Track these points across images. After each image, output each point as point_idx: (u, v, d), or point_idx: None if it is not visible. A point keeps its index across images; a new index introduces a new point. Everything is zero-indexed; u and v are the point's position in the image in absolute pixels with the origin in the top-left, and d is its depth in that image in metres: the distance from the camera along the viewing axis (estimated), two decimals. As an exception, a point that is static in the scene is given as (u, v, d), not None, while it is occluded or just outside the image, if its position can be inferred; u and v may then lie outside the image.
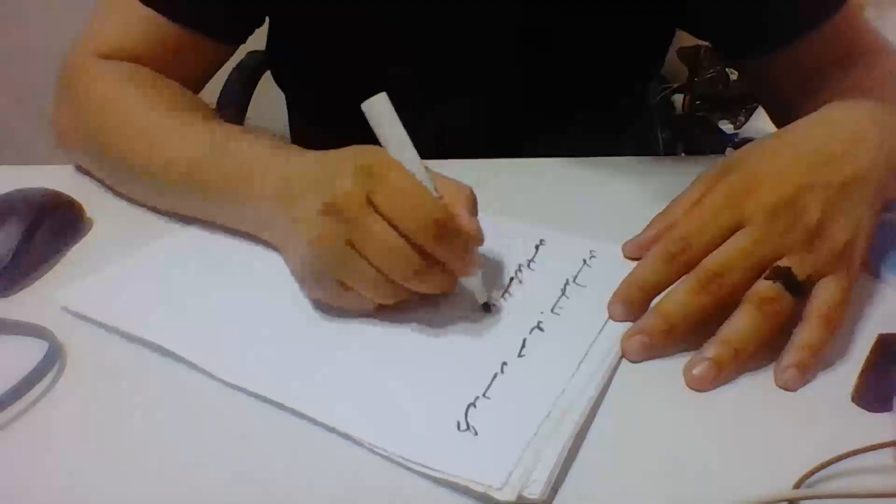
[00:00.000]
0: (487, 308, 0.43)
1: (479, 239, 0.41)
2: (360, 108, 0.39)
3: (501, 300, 0.45)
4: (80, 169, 0.59)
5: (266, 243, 0.48)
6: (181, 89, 0.58)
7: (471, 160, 0.61)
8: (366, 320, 0.42)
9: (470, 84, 0.65)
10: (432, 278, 0.40)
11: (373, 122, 0.40)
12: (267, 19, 0.67)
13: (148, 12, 0.58)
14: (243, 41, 0.66)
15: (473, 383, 0.38)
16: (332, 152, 0.43)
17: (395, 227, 0.38)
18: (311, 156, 0.44)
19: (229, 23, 0.62)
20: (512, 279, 0.46)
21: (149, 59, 0.59)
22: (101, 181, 0.57)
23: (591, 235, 0.50)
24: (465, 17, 0.61)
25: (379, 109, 0.40)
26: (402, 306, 0.42)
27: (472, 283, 0.42)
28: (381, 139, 0.41)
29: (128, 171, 0.54)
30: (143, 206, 0.54)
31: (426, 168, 0.41)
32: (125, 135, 0.53)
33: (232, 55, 0.66)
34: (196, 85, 0.64)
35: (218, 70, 0.67)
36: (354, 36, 0.63)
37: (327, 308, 0.43)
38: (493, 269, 0.47)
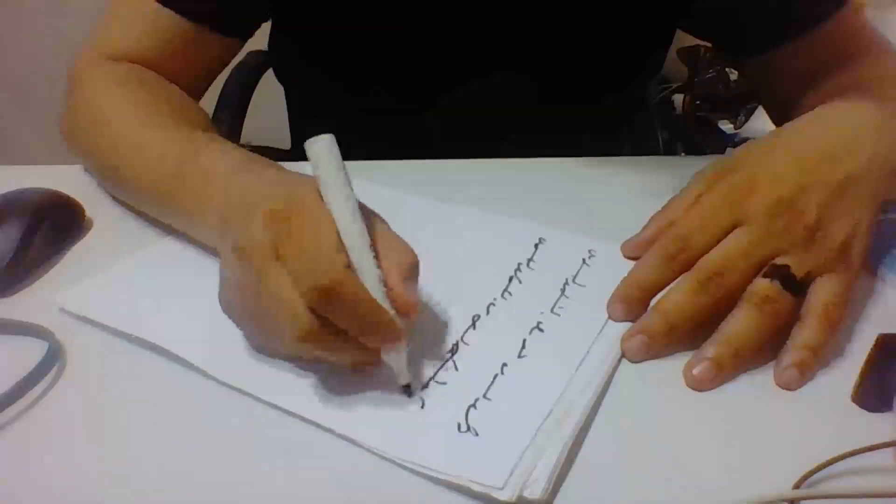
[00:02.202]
0: (408, 391, 0.37)
1: (411, 309, 0.36)
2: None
3: (500, 299, 0.44)
4: (84, 169, 0.60)
5: None
6: (176, 96, 0.58)
7: (470, 160, 0.61)
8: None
9: (469, 84, 0.65)
10: (333, 347, 0.35)
11: (312, 163, 0.37)
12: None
13: (155, 8, 0.58)
14: (250, 35, 0.66)
15: (474, 384, 0.38)
16: (263, 186, 0.40)
17: (294, 283, 0.34)
18: (246, 188, 0.41)
19: (236, 17, 0.63)
20: (511, 278, 0.46)
21: (155, 58, 0.59)
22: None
23: (591, 235, 0.50)
24: (466, 15, 0.61)
25: (320, 150, 0.37)
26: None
27: (393, 359, 0.36)
28: (318, 182, 0.37)
29: (111, 179, 0.55)
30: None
31: (371, 218, 0.38)
32: (104, 144, 0.54)
33: (238, 51, 0.66)
34: (202, 83, 0.64)
35: (224, 67, 0.67)
36: (355, 30, 0.63)
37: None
38: (488, 274, 0.47)
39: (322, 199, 0.37)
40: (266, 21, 0.67)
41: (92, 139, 0.55)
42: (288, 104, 0.83)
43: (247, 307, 0.37)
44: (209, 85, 0.66)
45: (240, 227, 0.37)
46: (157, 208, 0.51)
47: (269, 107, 0.89)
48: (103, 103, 0.55)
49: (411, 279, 0.37)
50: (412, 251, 0.38)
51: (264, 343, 0.39)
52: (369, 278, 0.36)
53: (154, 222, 0.52)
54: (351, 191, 0.37)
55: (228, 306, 0.39)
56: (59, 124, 0.59)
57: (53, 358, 0.39)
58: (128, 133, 0.53)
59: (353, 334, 0.35)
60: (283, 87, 0.79)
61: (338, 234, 0.36)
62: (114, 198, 0.56)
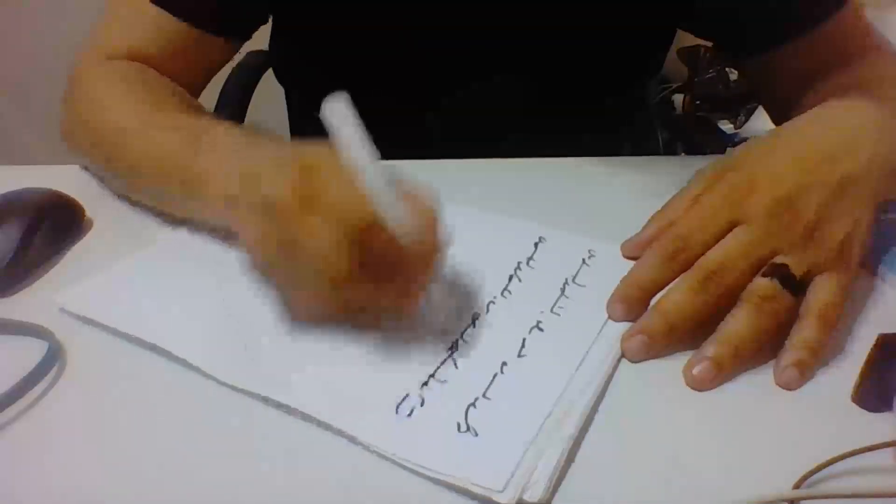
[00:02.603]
0: (444, 333, 0.39)
1: (441, 249, 0.38)
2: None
3: (500, 297, 0.44)
4: (84, 169, 0.60)
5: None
6: (175, 89, 0.59)
7: (470, 160, 0.61)
8: (363, 318, 0.42)
9: (469, 84, 0.65)
10: (369, 290, 0.37)
11: (329, 123, 0.38)
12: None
13: (154, 11, 0.58)
14: (248, 38, 0.66)
15: (473, 383, 0.38)
16: (282, 149, 0.42)
17: (329, 230, 0.36)
18: (265, 152, 0.43)
19: (234, 19, 0.63)
20: (511, 277, 0.46)
21: (154, 59, 0.59)
22: (102, 183, 0.58)
23: (591, 235, 0.50)
24: (466, 15, 0.61)
25: (336, 111, 0.38)
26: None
27: (428, 299, 0.37)
28: (337, 141, 0.38)
29: (116, 172, 0.55)
30: (142, 206, 0.54)
31: (391, 174, 0.38)
32: (107, 138, 0.54)
33: (236, 52, 0.67)
34: (200, 83, 0.64)
35: (222, 67, 0.67)
36: (355, 30, 0.63)
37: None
38: (487, 272, 0.47)
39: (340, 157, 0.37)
40: (265, 23, 0.68)
41: (93, 129, 0.55)
42: (288, 104, 0.83)
43: (280, 264, 0.38)
44: (206, 84, 0.66)
45: (269, 185, 0.38)
46: (163, 188, 0.51)
47: (269, 107, 0.89)
48: (105, 94, 0.56)
49: (435, 229, 0.38)
50: (434, 204, 0.39)
51: (297, 302, 0.40)
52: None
53: (154, 222, 0.52)
54: (370, 145, 0.38)
55: (263, 268, 0.40)
56: (60, 126, 0.59)
57: (53, 358, 0.39)
58: (132, 116, 0.53)
59: (389, 274, 0.37)
60: (283, 87, 0.79)
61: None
62: (116, 195, 0.56)
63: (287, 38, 0.72)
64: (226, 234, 0.49)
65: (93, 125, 0.56)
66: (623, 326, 0.42)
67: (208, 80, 0.66)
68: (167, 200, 0.51)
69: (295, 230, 0.37)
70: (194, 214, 0.50)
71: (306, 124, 0.80)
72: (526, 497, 0.32)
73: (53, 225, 0.49)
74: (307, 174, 0.37)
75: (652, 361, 0.40)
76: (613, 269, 0.45)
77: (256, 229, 0.39)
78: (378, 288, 0.37)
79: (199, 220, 0.50)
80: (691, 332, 0.41)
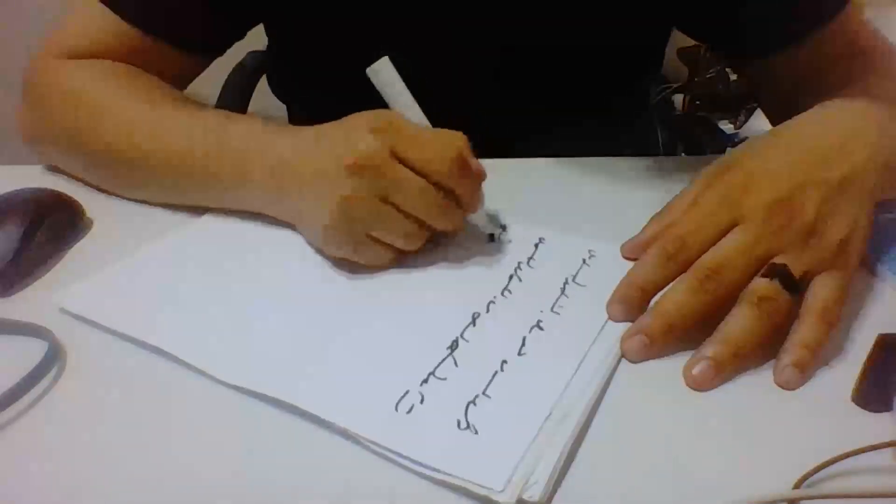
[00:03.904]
0: (492, 239, 0.50)
1: (484, 173, 0.46)
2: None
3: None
4: (49, 167, 0.59)
5: (267, 238, 0.49)
6: (159, 81, 0.58)
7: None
8: (364, 317, 0.43)
9: (467, 86, 0.65)
10: (452, 214, 0.45)
11: (379, 86, 0.46)
12: (251, 31, 0.67)
13: (119, 20, 0.57)
14: (219, 54, 0.65)
15: (474, 380, 0.38)
16: (342, 120, 0.46)
17: (420, 173, 0.43)
18: (308, 130, 0.47)
19: (205, 36, 0.61)
20: (511, 277, 0.46)
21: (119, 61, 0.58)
22: (76, 178, 0.57)
23: (591, 235, 0.50)
24: (460, 18, 0.61)
25: (384, 73, 0.45)
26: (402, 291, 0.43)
27: (479, 216, 0.49)
28: (387, 100, 0.46)
29: (109, 164, 0.54)
30: (143, 205, 0.54)
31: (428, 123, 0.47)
32: (104, 128, 0.53)
33: (204, 68, 0.64)
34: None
35: (194, 79, 0.64)
36: (349, 45, 0.63)
37: (327, 306, 0.43)
38: (488, 272, 0.47)
39: None
40: (240, 39, 0.66)
41: (84, 124, 0.54)
42: (288, 112, 0.83)
43: (369, 216, 0.43)
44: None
45: (342, 150, 0.43)
46: (184, 184, 0.51)
47: (269, 107, 0.89)
48: (94, 88, 0.55)
49: (471, 152, 0.45)
50: (461, 134, 0.45)
51: (373, 254, 0.45)
52: None
53: (154, 222, 0.52)
54: (415, 101, 0.47)
55: (342, 226, 0.44)
56: (18, 122, 0.58)
57: (53, 358, 0.39)
58: (135, 111, 0.52)
59: (467, 195, 0.45)
60: (279, 101, 0.79)
61: None
62: (115, 194, 0.56)
63: (281, 56, 0.72)
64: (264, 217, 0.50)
65: (67, 121, 0.54)
66: (623, 326, 0.42)
67: (180, 90, 0.63)
68: (185, 191, 0.51)
69: (391, 181, 0.42)
70: (222, 201, 0.50)
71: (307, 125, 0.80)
72: (526, 497, 0.32)
73: (53, 225, 0.49)
74: (386, 131, 0.43)
75: (652, 361, 0.40)
76: (613, 270, 0.45)
77: (346, 189, 0.42)
78: (455, 211, 0.45)
79: (227, 206, 0.51)
80: (691, 332, 0.40)
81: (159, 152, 0.51)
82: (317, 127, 0.46)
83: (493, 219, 0.51)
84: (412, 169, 0.43)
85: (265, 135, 0.48)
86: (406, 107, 0.46)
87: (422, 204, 0.44)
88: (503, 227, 0.51)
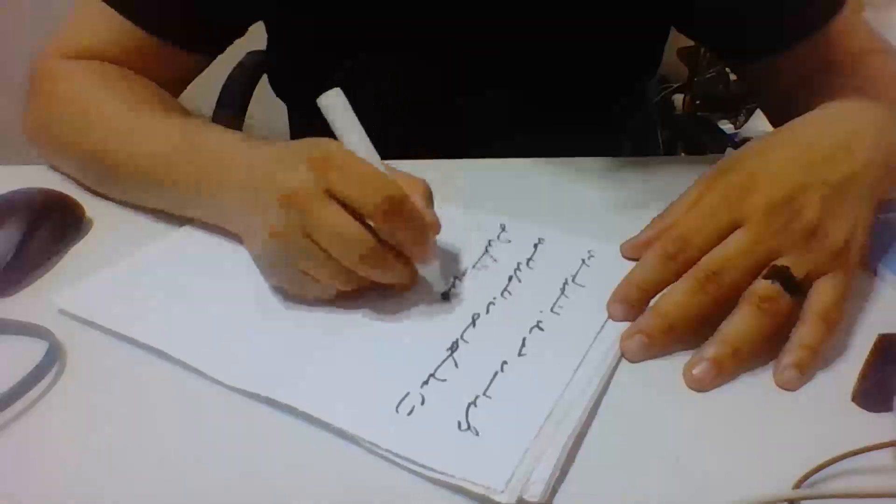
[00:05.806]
0: (446, 297, 0.44)
1: (435, 226, 0.43)
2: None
3: (500, 298, 0.45)
4: (53, 168, 0.59)
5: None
6: (152, 86, 0.58)
7: (469, 160, 0.61)
8: (365, 318, 0.43)
9: (467, 86, 0.65)
10: (386, 264, 0.41)
11: (328, 117, 0.42)
12: (252, 31, 0.67)
13: (119, 20, 0.57)
14: (220, 52, 0.65)
15: (474, 381, 0.38)
16: (289, 144, 0.44)
17: (351, 211, 0.39)
18: (272, 148, 0.44)
19: (204, 34, 0.61)
20: (511, 277, 0.46)
21: (120, 63, 0.58)
22: (76, 181, 0.57)
23: (591, 235, 0.50)
24: (460, 19, 0.61)
25: (334, 104, 0.42)
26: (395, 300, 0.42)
27: (430, 271, 0.43)
28: (336, 133, 0.42)
29: (98, 168, 0.54)
30: (143, 206, 0.54)
31: (382, 162, 0.42)
32: (94, 132, 0.53)
33: (206, 66, 0.64)
34: (171, 91, 0.61)
35: (195, 78, 0.64)
36: (347, 50, 0.63)
37: (327, 307, 0.43)
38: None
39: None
40: (240, 37, 0.66)
41: (77, 128, 0.54)
42: (288, 111, 0.83)
43: (294, 251, 0.40)
44: (180, 92, 0.64)
45: (278, 180, 0.40)
46: (155, 190, 0.51)
47: (269, 107, 0.89)
48: (87, 92, 0.55)
49: (430, 202, 0.43)
50: (422, 179, 0.44)
51: (309, 288, 0.42)
52: None
53: (153, 222, 0.52)
54: (365, 135, 0.42)
55: (272, 258, 0.42)
56: (23, 123, 0.58)
57: (53, 358, 0.39)
58: (121, 117, 0.52)
59: (408, 245, 0.41)
60: (280, 101, 0.79)
61: None
62: (111, 197, 0.56)
63: (281, 55, 0.72)
64: (223, 232, 0.49)
65: (75, 124, 0.55)
66: (623, 326, 0.42)
67: (180, 90, 0.64)
68: (163, 199, 0.51)
69: (315, 218, 0.39)
70: (193, 211, 0.50)
71: (307, 124, 0.80)
72: (526, 497, 0.32)
73: (53, 225, 0.49)
74: (323, 161, 0.40)
75: (652, 361, 0.40)
76: (613, 270, 0.45)
77: (275, 221, 0.40)
78: (394, 261, 0.41)
79: (197, 217, 0.50)
80: (690, 332, 0.41)
81: (135, 157, 0.51)
82: (279, 147, 0.44)
83: (449, 274, 0.46)
84: (345, 207, 0.39)
85: (234, 150, 0.47)
86: (355, 142, 0.42)
87: (340, 245, 0.39)
88: (454, 280, 0.46)
